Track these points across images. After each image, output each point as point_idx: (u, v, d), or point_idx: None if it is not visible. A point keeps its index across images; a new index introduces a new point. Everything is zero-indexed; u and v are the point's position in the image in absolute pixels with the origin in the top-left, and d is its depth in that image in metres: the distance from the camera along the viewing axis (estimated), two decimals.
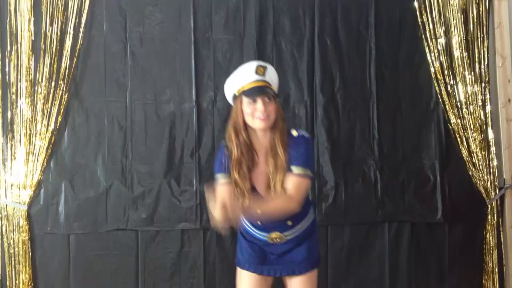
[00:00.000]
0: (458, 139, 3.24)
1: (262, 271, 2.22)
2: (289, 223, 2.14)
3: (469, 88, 3.23)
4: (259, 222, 2.12)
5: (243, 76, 2.03)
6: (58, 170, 3.09)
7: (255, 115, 1.99)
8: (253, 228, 2.19)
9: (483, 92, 3.24)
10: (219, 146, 2.16)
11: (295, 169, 2.00)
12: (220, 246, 3.14)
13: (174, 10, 3.18)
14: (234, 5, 3.20)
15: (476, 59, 3.24)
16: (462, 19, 3.23)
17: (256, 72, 2.01)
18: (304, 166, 2.01)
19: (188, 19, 3.17)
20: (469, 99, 3.23)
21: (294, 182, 2.00)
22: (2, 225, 3.03)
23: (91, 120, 3.12)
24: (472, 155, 3.23)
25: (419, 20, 3.25)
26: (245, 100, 2.01)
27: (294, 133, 2.07)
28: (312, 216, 2.26)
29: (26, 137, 3.01)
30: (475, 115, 3.23)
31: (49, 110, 3.03)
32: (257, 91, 1.98)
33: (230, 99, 2.14)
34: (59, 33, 3.04)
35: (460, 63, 3.23)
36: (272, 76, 2.06)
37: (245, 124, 2.05)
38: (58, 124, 3.06)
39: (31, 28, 3.02)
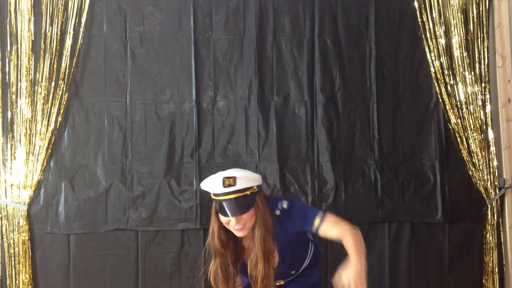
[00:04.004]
0: (458, 139, 3.24)
1: None
2: (293, 272, 2.17)
3: (469, 88, 3.23)
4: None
5: (212, 186, 1.95)
6: (58, 170, 3.08)
7: (230, 226, 1.96)
8: None
9: (483, 92, 3.24)
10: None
11: (315, 225, 1.98)
12: None
13: (174, 10, 3.18)
14: (234, 5, 3.20)
15: (476, 59, 3.24)
16: (462, 19, 3.23)
17: (224, 185, 1.92)
18: (315, 217, 1.99)
19: (188, 19, 3.17)
20: (469, 99, 3.23)
21: (327, 227, 1.98)
22: (2, 225, 3.02)
23: (91, 120, 3.12)
24: (472, 155, 3.23)
25: (419, 20, 3.25)
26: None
27: (278, 212, 2.03)
28: (311, 251, 2.24)
29: (26, 137, 3.01)
30: (475, 115, 3.23)
31: (49, 110, 3.03)
32: (225, 212, 1.92)
33: None
34: (59, 33, 3.04)
35: (460, 63, 3.23)
36: (244, 179, 1.95)
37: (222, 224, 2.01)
38: (58, 124, 3.06)
39: (31, 28, 3.02)
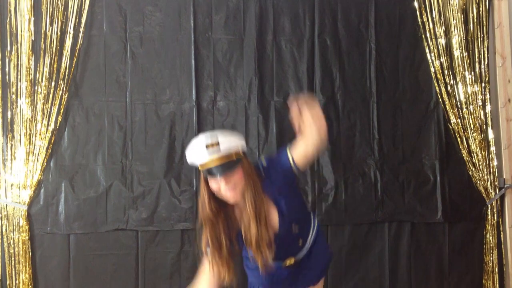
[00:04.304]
0: (458, 139, 3.25)
1: None
2: (300, 242, 2.14)
3: (469, 88, 3.23)
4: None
5: (197, 155, 1.93)
6: (58, 170, 3.08)
7: (221, 191, 1.95)
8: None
9: (483, 92, 3.25)
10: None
11: (290, 157, 2.01)
12: None
13: (174, 10, 3.18)
14: (234, 5, 3.20)
15: (476, 59, 3.24)
16: (462, 19, 3.24)
17: (208, 150, 1.90)
18: (287, 152, 2.03)
19: (188, 19, 3.17)
20: (469, 99, 3.23)
21: (297, 151, 2.02)
22: (2, 225, 3.03)
23: (91, 120, 3.12)
24: (472, 155, 3.23)
25: (419, 20, 3.25)
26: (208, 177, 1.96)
27: (262, 172, 2.03)
28: (315, 224, 2.25)
29: (26, 137, 3.01)
30: (475, 115, 3.23)
31: (49, 110, 3.03)
32: (214, 174, 1.90)
33: None
34: (59, 33, 3.04)
35: (460, 63, 3.23)
36: (227, 143, 1.93)
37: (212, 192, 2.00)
38: (58, 124, 3.07)
39: (31, 28, 3.03)
